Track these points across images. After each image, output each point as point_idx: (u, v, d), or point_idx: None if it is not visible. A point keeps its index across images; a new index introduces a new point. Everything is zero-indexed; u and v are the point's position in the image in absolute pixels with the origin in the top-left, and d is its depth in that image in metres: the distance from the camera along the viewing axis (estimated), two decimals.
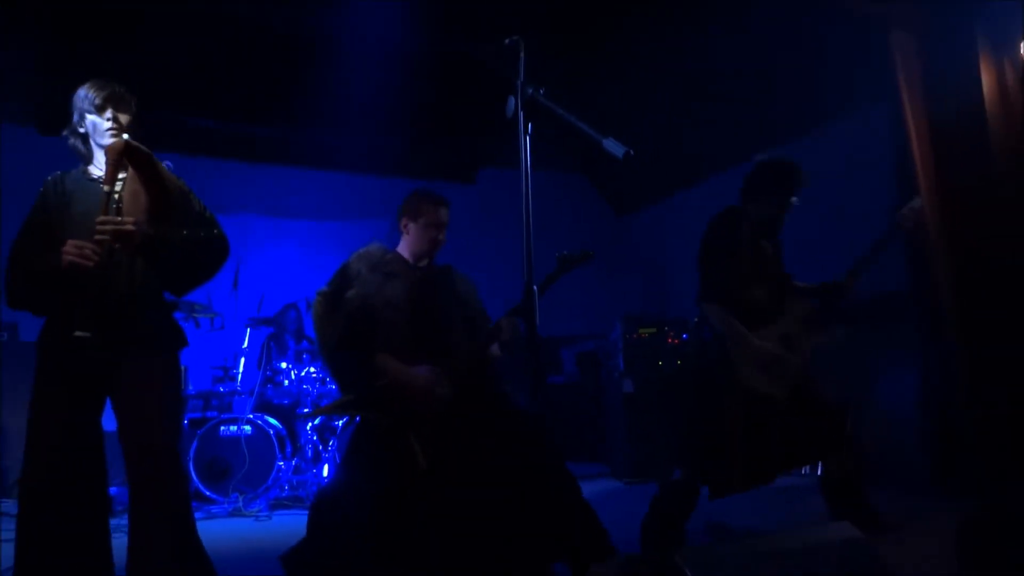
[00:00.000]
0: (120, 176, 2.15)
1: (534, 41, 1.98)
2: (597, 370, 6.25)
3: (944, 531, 2.35)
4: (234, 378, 5.12)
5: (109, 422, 2.19)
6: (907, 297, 4.22)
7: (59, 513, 2.07)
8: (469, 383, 2.57)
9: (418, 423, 2.45)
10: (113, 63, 4.86)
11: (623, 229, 8.02)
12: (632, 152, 1.77)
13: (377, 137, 6.51)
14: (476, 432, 2.47)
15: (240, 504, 4.39)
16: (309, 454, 4.75)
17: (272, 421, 4.82)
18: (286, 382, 4.97)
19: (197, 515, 2.37)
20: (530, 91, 1.90)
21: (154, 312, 2.26)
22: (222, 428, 4.68)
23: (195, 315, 4.78)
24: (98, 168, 2.28)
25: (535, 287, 2.54)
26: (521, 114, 1.89)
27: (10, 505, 4.08)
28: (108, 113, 2.22)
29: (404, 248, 2.82)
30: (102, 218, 2.04)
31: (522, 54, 1.94)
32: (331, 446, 4.69)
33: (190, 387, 5.21)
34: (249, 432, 4.65)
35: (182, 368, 2.37)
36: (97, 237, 2.02)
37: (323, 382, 4.91)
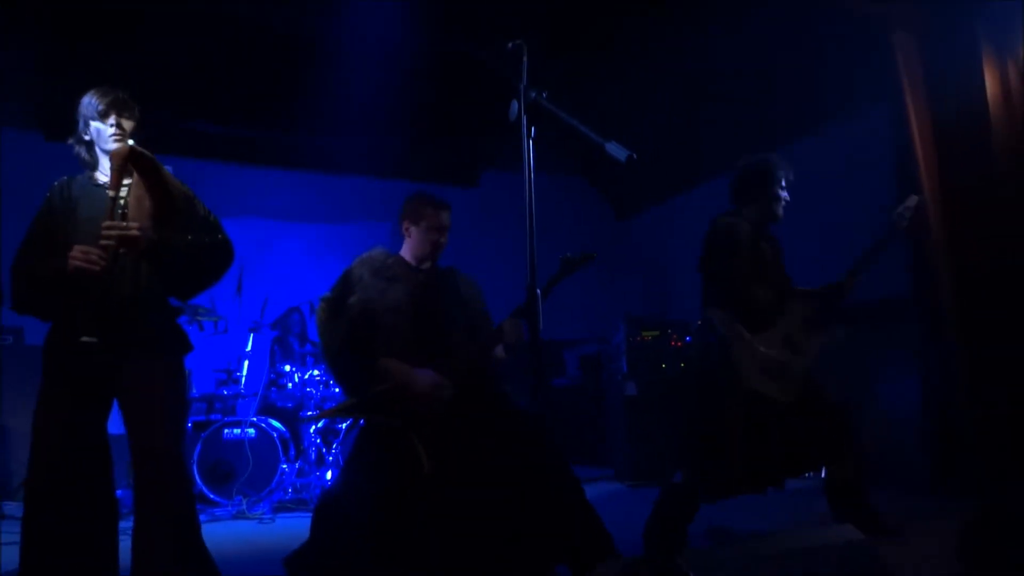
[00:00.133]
0: (125, 181, 2.16)
1: (534, 42, 1.99)
2: (600, 373, 6.25)
3: (945, 532, 2.35)
4: (238, 381, 5.13)
5: (117, 425, 2.20)
6: (908, 298, 4.22)
7: (64, 515, 2.08)
8: (471, 384, 2.58)
9: (421, 425, 2.46)
10: (113, 63, 4.90)
11: (624, 232, 8.03)
12: (635, 156, 1.78)
13: (379, 139, 6.53)
14: (478, 433, 2.48)
15: (244, 507, 4.40)
16: (313, 457, 4.76)
17: (276, 424, 4.83)
18: (290, 385, 4.98)
19: (201, 518, 2.38)
20: (533, 95, 1.91)
21: (158, 315, 2.28)
22: (226, 431, 4.69)
23: (199, 318, 4.80)
24: (103, 174, 2.30)
25: (538, 290, 2.55)
26: (524, 118, 1.90)
27: (14, 508, 4.10)
28: (111, 119, 2.24)
29: (406, 251, 2.82)
30: (108, 223, 2.06)
31: (525, 58, 1.95)
32: (334, 449, 4.70)
33: (194, 390, 5.23)
34: (253, 435, 4.66)
35: (186, 371, 2.39)
36: (103, 242, 2.04)
37: (326, 385, 4.92)
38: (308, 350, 5.35)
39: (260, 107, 6.01)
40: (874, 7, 4.15)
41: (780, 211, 3.10)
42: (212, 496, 4.54)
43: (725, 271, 2.96)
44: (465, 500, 2.39)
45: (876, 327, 4.34)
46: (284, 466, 4.63)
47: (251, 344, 5.17)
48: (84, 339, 2.00)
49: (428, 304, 2.68)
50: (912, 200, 3.17)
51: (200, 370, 5.34)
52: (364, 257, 2.75)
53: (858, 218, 4.39)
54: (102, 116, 2.24)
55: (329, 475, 4.63)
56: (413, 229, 2.78)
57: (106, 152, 2.26)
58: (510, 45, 1.96)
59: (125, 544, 2.23)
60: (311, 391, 4.91)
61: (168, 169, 2.20)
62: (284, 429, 4.84)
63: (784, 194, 3.10)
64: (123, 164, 2.09)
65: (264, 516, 4.33)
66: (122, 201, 2.13)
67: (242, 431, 4.67)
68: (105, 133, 2.25)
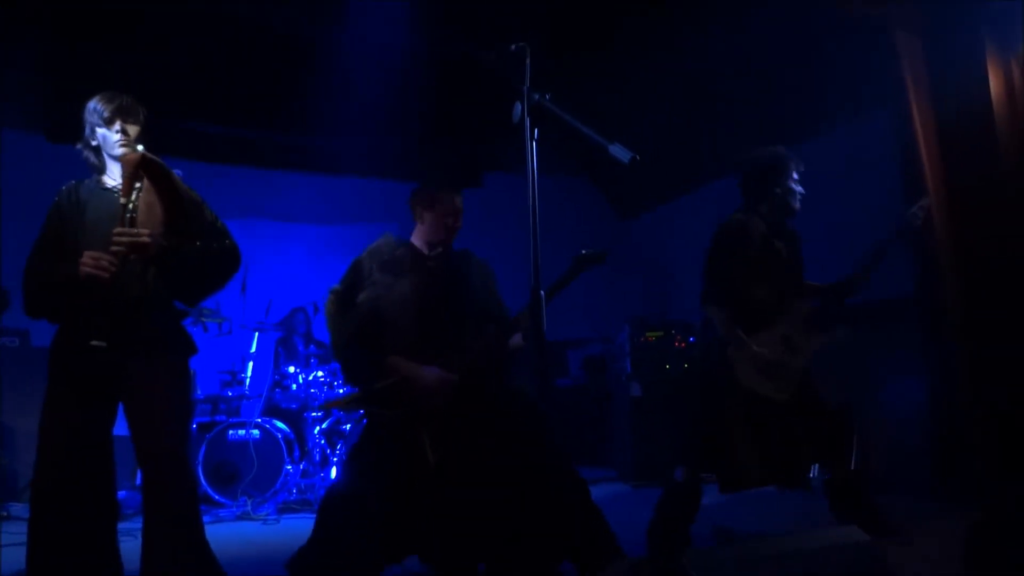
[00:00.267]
0: (135, 187, 2.18)
1: (534, 43, 1.99)
2: (604, 373, 6.25)
3: (949, 533, 2.35)
4: (242, 382, 5.15)
5: (121, 427, 2.21)
6: (912, 298, 4.21)
7: (70, 516, 2.10)
8: (479, 379, 2.56)
9: (426, 420, 2.46)
10: (113, 63, 4.90)
11: (627, 232, 8.04)
12: (638, 157, 1.78)
13: (382, 140, 6.54)
14: (481, 431, 2.47)
15: (248, 508, 4.41)
16: (317, 458, 4.77)
17: (280, 425, 4.84)
18: (294, 386, 4.99)
19: (205, 519, 2.39)
20: (536, 97, 1.91)
21: (163, 317, 2.29)
22: (230, 432, 4.70)
23: (203, 320, 4.82)
24: (111, 178, 2.31)
25: (549, 287, 2.55)
26: (528, 119, 1.91)
27: (20, 509, 4.12)
28: (117, 125, 2.25)
29: (418, 237, 2.75)
30: (119, 229, 2.08)
31: (528, 60, 1.96)
32: (339, 450, 4.70)
33: (198, 391, 5.24)
34: (257, 436, 4.67)
35: (191, 373, 2.40)
36: (113, 248, 2.06)
37: (331, 386, 4.93)
38: (313, 351, 5.36)
39: (264, 109, 6.01)
40: (877, 8, 4.15)
41: (796, 204, 3.07)
42: (217, 497, 4.55)
43: (724, 271, 2.96)
44: (467, 497, 2.40)
45: (880, 327, 4.33)
46: (288, 467, 4.64)
47: (255, 345, 5.19)
48: (93, 343, 2.02)
49: (437, 298, 2.63)
50: (926, 200, 3.17)
51: (204, 371, 5.35)
52: (373, 247, 2.72)
53: (862, 219, 4.39)
54: (107, 122, 2.25)
55: (333, 475, 4.64)
56: (427, 214, 2.71)
57: (113, 157, 2.28)
58: (513, 47, 1.97)
59: (127, 546, 2.24)
60: (315, 392, 4.93)
61: (178, 173, 2.21)
62: (288, 430, 4.85)
63: (798, 187, 3.07)
64: (134, 171, 2.11)
65: (268, 517, 4.33)
66: (131, 207, 2.14)
67: (246, 432, 4.68)
68: (111, 139, 2.27)
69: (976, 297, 3.87)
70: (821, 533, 2.06)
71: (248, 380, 5.12)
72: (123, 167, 2.14)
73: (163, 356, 2.24)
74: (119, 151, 2.24)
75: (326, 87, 5.43)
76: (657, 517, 2.96)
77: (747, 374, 2.89)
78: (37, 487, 2.13)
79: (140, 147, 2.17)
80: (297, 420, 5.04)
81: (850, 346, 3.16)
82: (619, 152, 1.82)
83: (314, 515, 2.56)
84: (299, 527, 4.08)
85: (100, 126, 2.27)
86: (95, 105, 2.27)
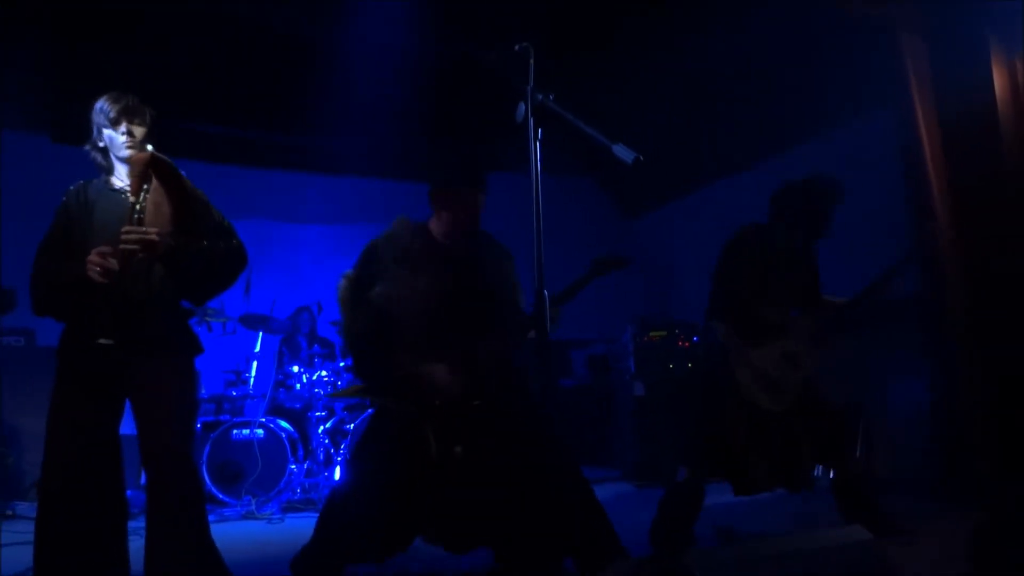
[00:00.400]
0: (144, 186, 2.19)
1: (535, 43, 1.99)
2: (607, 373, 6.25)
3: (950, 533, 2.34)
4: (246, 382, 5.16)
5: (129, 426, 2.22)
6: (916, 299, 4.20)
7: (77, 514, 2.11)
8: (488, 376, 2.54)
9: (432, 414, 2.47)
10: (113, 63, 4.91)
11: (630, 232, 8.03)
12: (641, 158, 1.79)
13: (382, 140, 6.54)
14: (485, 430, 2.48)
15: (253, 507, 4.42)
16: (321, 457, 4.78)
17: (284, 424, 4.85)
18: (298, 386, 5.00)
19: (210, 518, 2.39)
20: (540, 97, 1.92)
21: (169, 316, 2.30)
22: (234, 432, 4.72)
23: (208, 319, 4.83)
24: (119, 179, 2.32)
25: (565, 290, 2.55)
26: (531, 120, 1.91)
27: (26, 508, 4.13)
28: (123, 127, 2.26)
29: (435, 226, 2.69)
30: (128, 228, 2.09)
31: (532, 60, 1.96)
32: (343, 449, 4.72)
33: (203, 391, 5.25)
34: (261, 436, 4.69)
35: (197, 372, 2.41)
36: (122, 247, 2.07)
37: (334, 386, 4.94)
38: (316, 351, 5.37)
39: (266, 109, 6.02)
40: (877, 8, 4.14)
41: (825, 230, 3.06)
42: (221, 496, 4.56)
43: (729, 285, 2.97)
44: (469, 495, 2.41)
45: (884, 328, 4.32)
46: (293, 466, 4.65)
47: (259, 345, 5.20)
48: (101, 341, 2.03)
49: (450, 293, 2.58)
50: (935, 223, 3.15)
51: (209, 371, 5.37)
52: (389, 233, 2.67)
53: (865, 220, 4.37)
54: (113, 124, 2.26)
55: (337, 475, 4.65)
56: (444, 213, 2.67)
57: (120, 159, 2.29)
58: (517, 47, 1.97)
59: (135, 544, 2.25)
60: (319, 392, 4.94)
61: (184, 174, 2.22)
62: (292, 429, 4.86)
63: (828, 224, 3.06)
64: (144, 170, 2.12)
65: (273, 516, 4.35)
66: (139, 206, 2.15)
67: (251, 432, 4.69)
68: (117, 140, 2.27)
69: (979, 297, 3.86)
70: (823, 533, 2.07)
71: (252, 380, 5.13)
72: (132, 166, 2.15)
73: (169, 355, 2.25)
74: (125, 153, 2.26)
75: (326, 87, 5.43)
76: (660, 517, 2.97)
77: (745, 384, 2.91)
78: (44, 486, 2.14)
79: (149, 146, 2.18)
80: (301, 419, 5.05)
81: (856, 347, 3.16)
82: (622, 152, 1.82)
83: (318, 514, 2.57)
84: (303, 526, 4.08)
85: (106, 127, 2.28)
86: (102, 105, 2.28)
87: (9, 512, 4.15)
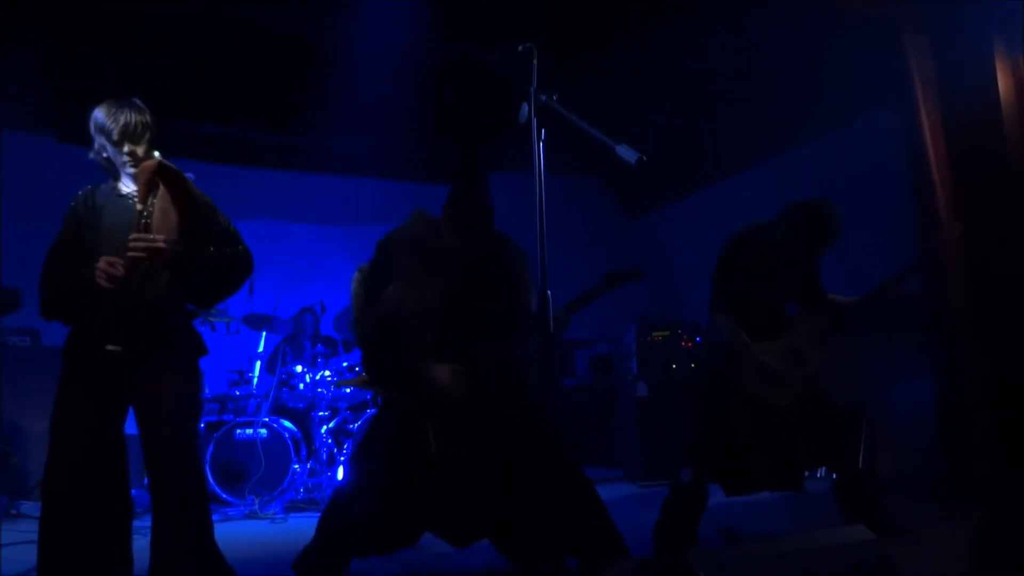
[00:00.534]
0: (151, 193, 2.19)
1: (537, 44, 1.99)
2: (610, 373, 6.25)
3: (952, 533, 2.34)
4: (249, 382, 5.17)
5: (133, 426, 2.23)
6: (919, 299, 4.20)
7: (80, 514, 2.11)
8: (494, 378, 2.54)
9: (434, 412, 2.47)
10: (113, 63, 4.91)
11: (633, 232, 8.03)
12: (645, 158, 1.79)
13: (383, 140, 6.54)
14: (488, 427, 2.48)
15: (256, 507, 4.43)
16: (324, 457, 4.79)
17: (287, 424, 4.86)
18: (301, 386, 5.01)
19: (214, 517, 2.40)
20: (543, 97, 1.92)
21: (173, 317, 2.31)
22: (238, 431, 4.73)
23: (211, 319, 4.84)
24: (126, 184, 2.33)
25: (574, 301, 2.55)
26: (535, 120, 1.91)
27: (31, 507, 4.15)
28: (125, 148, 2.25)
29: (449, 225, 2.67)
30: (135, 235, 2.09)
31: (535, 61, 1.96)
32: (346, 449, 4.72)
33: (206, 391, 5.26)
34: (265, 435, 4.69)
35: (200, 373, 2.41)
36: (130, 254, 2.07)
37: (337, 386, 4.95)
38: (320, 351, 5.37)
39: (267, 109, 6.03)
40: (877, 8, 4.14)
41: (833, 239, 3.06)
42: (224, 496, 4.57)
43: (733, 279, 2.97)
44: (467, 494, 2.41)
45: (886, 328, 4.32)
46: (296, 466, 4.66)
47: (263, 345, 5.21)
48: (109, 347, 2.04)
49: (461, 293, 2.56)
50: (944, 233, 3.14)
51: (212, 371, 5.38)
52: (406, 227, 2.65)
53: (868, 220, 4.37)
54: (115, 145, 2.24)
55: (340, 474, 4.65)
56: (457, 217, 2.65)
57: (126, 173, 2.30)
58: (520, 48, 1.97)
59: (140, 543, 2.25)
60: (322, 391, 4.94)
61: (189, 177, 2.23)
62: (296, 429, 4.87)
63: (825, 250, 3.07)
64: (151, 178, 2.12)
65: (276, 516, 4.35)
66: (146, 213, 2.16)
67: (254, 431, 4.70)
68: (120, 159, 2.26)
69: (982, 298, 3.86)
70: (824, 533, 2.06)
71: (256, 380, 5.14)
72: (140, 174, 2.16)
73: (174, 357, 2.26)
74: (130, 171, 2.25)
75: (327, 87, 5.44)
76: (663, 517, 2.97)
77: (749, 380, 2.91)
78: (48, 486, 2.15)
79: (156, 153, 2.18)
80: (304, 419, 5.06)
81: (859, 346, 3.16)
82: (626, 153, 1.82)
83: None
84: (306, 526, 4.08)
85: (108, 146, 2.26)
86: (103, 122, 2.23)
87: (13, 511, 4.17)
